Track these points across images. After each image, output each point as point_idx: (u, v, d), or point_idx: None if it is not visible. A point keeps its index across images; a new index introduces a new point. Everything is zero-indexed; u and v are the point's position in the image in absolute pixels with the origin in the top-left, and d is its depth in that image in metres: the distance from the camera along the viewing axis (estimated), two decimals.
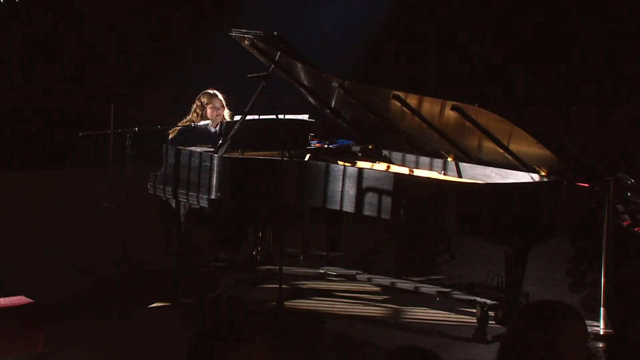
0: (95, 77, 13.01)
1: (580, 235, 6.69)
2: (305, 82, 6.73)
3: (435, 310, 5.86)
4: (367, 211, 5.68)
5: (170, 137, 6.92)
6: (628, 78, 11.41)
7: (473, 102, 5.69)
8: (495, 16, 12.62)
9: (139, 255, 6.99)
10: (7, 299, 4.57)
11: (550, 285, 6.41)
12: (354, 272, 6.49)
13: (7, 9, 12.38)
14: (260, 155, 6.37)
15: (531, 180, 5.60)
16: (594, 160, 6.21)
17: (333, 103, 6.78)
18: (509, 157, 5.69)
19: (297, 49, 6.50)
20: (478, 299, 5.59)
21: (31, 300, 4.60)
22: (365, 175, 5.70)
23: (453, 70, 12.54)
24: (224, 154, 6.19)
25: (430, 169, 6.34)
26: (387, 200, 5.55)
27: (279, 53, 6.38)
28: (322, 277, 6.53)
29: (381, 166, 6.51)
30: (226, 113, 7.03)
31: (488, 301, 5.53)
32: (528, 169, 5.64)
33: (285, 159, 5.85)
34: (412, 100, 6.03)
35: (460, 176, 6.13)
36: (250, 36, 6.37)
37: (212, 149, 6.42)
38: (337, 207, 5.85)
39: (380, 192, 5.59)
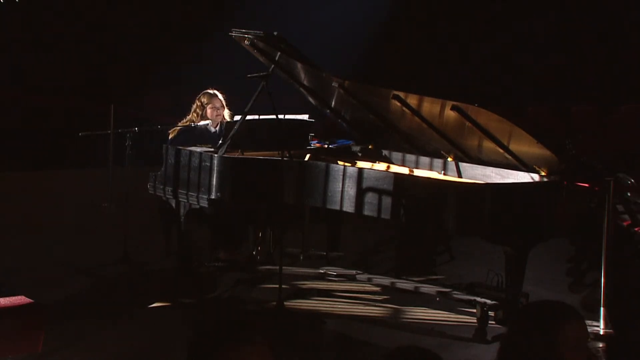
0: (95, 77, 13.00)
1: (580, 235, 6.68)
2: (305, 82, 6.74)
3: (435, 310, 5.86)
4: (367, 211, 5.68)
5: (170, 137, 6.93)
6: (628, 78, 11.40)
7: (473, 102, 5.69)
8: (495, 16, 12.62)
9: (139, 255, 6.99)
10: (7, 299, 4.57)
11: (550, 285, 6.41)
12: (354, 272, 6.49)
13: (7, 9, 12.37)
14: (260, 155, 6.38)
15: (531, 180, 5.61)
16: (594, 160, 6.21)
17: (333, 103, 6.78)
18: (509, 157, 5.69)
19: (297, 49, 6.50)
20: (478, 299, 5.59)
21: (31, 300, 4.60)
22: (365, 175, 5.70)
23: (453, 70, 12.53)
24: (224, 154, 6.19)
25: (430, 169, 6.34)
26: (387, 200, 5.55)
27: (279, 53, 6.38)
28: (322, 277, 6.53)
29: (381, 166, 6.51)
30: (226, 113, 7.03)
31: (488, 301, 5.53)
32: (528, 169, 5.64)
33: (285, 159, 5.85)
34: (412, 100, 6.03)
35: (460, 176, 6.13)
36: (250, 36, 6.38)
37: (212, 149, 6.42)
38: (337, 207, 5.85)
39: (380, 192, 5.59)
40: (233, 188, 6.18)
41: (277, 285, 5.75)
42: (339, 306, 6.02)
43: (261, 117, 6.44)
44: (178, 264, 6.56)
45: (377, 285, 6.35)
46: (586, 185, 5.78)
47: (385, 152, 6.82)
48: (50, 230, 8.03)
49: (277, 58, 6.42)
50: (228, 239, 6.77)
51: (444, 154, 6.27)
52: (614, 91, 11.41)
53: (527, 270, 5.37)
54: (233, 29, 6.51)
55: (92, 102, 12.08)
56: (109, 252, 7.04)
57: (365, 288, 6.36)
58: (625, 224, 6.53)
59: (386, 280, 6.31)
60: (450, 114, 5.77)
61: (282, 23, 8.77)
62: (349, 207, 5.78)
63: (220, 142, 6.39)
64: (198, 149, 6.44)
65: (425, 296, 6.00)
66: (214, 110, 6.95)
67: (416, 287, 6.09)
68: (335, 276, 6.50)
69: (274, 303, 5.72)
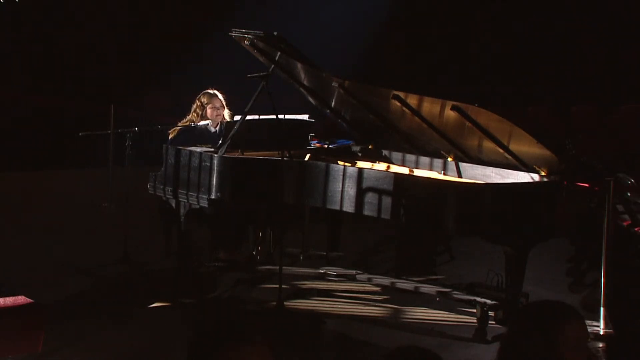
0: (95, 77, 13.01)
1: (580, 235, 6.68)
2: (305, 82, 6.73)
3: (435, 310, 5.86)
4: (367, 211, 5.68)
5: (170, 137, 6.93)
6: (628, 78, 11.40)
7: (473, 102, 5.69)
8: (496, 16, 12.62)
9: (139, 255, 6.99)
10: (7, 299, 4.57)
11: (550, 285, 6.41)
12: (354, 272, 6.49)
13: (7, 9, 12.37)
14: (260, 155, 6.38)
15: (531, 180, 5.60)
16: (594, 160, 6.21)
17: (333, 103, 6.78)
18: (509, 157, 5.69)
19: (297, 49, 6.50)
20: (478, 299, 5.58)
21: (31, 300, 4.60)
22: (365, 175, 5.70)
23: (453, 70, 12.54)
24: (224, 154, 6.19)
25: (430, 169, 6.34)
26: (387, 200, 5.55)
27: (279, 53, 6.38)
28: (322, 277, 6.53)
29: (381, 166, 6.51)
30: (226, 113, 7.03)
31: (488, 301, 5.53)
32: (528, 169, 5.64)
33: (285, 159, 5.85)
34: (412, 100, 6.03)
35: (460, 176, 6.13)
36: (250, 36, 6.37)
37: (212, 149, 6.42)
38: (337, 207, 5.85)
39: (380, 192, 5.59)
40: (233, 188, 6.18)
41: (277, 285, 5.75)
42: (339, 306, 6.02)
43: (261, 117, 6.44)
44: (178, 264, 6.56)
45: (377, 285, 6.35)
46: (586, 185, 5.78)
47: (385, 152, 6.81)
48: (50, 230, 8.03)
49: (277, 58, 6.42)
50: (228, 239, 6.77)
51: (444, 154, 6.27)
52: (614, 91, 11.42)
53: (527, 270, 5.37)
54: (233, 29, 6.50)
55: (92, 102, 12.09)
56: (109, 252, 7.04)
57: (365, 288, 6.36)
58: (625, 224, 6.54)
59: (386, 280, 6.31)
60: (450, 114, 5.76)
61: (282, 23, 8.77)
62: (349, 207, 5.78)
63: (220, 142, 6.39)
64: (198, 149, 6.43)
65: (425, 296, 6.00)
66: (214, 110, 6.95)
67: (416, 287, 6.09)
68: (335, 276, 6.50)
69: (274, 303, 5.72)
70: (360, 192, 5.68)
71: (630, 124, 10.13)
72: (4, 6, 12.19)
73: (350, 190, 5.73)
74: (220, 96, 7.02)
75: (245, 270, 6.64)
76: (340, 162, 6.25)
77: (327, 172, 5.87)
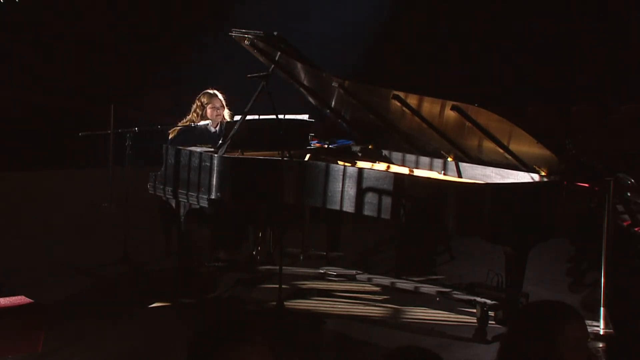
0: (95, 77, 13.01)
1: (580, 235, 6.68)
2: (305, 82, 6.74)
3: (435, 310, 5.86)
4: (367, 211, 5.68)
5: (170, 137, 6.93)
6: (628, 78, 11.40)
7: (473, 102, 5.69)
8: (495, 16, 12.62)
9: (139, 255, 6.99)
10: (7, 299, 4.57)
11: (550, 285, 6.41)
12: (354, 272, 6.49)
13: (7, 9, 12.37)
14: (260, 155, 6.38)
15: (531, 180, 5.60)
16: (594, 160, 6.21)
17: (333, 103, 6.78)
18: (509, 157, 5.69)
19: (297, 49, 6.50)
20: (478, 299, 5.59)
21: (31, 300, 4.60)
22: (365, 175, 5.70)
23: (453, 70, 12.54)
24: (224, 154, 6.19)
25: (430, 169, 6.34)
26: (387, 200, 5.55)
27: (279, 53, 6.38)
28: (322, 277, 6.53)
29: (381, 166, 6.51)
30: (226, 113, 7.03)
31: (488, 301, 5.53)
32: (528, 169, 5.64)
33: (285, 159, 5.85)
34: (412, 100, 6.03)
35: (460, 176, 6.13)
36: (250, 36, 6.37)
37: (212, 149, 6.42)
38: (337, 207, 5.85)
39: (380, 192, 5.59)
40: (233, 188, 6.18)
41: (277, 285, 5.75)
42: (339, 306, 6.02)
43: (261, 117, 6.44)
44: (178, 264, 6.56)
45: (377, 285, 6.35)
46: (586, 185, 5.78)
47: (385, 152, 6.82)
48: (50, 230, 8.03)
49: (277, 58, 6.42)
50: (228, 239, 6.77)
51: (444, 154, 6.27)
52: (614, 91, 11.42)
53: (527, 270, 5.37)
54: (233, 29, 6.50)
55: (92, 102, 12.09)
56: (109, 252, 7.04)
57: (365, 288, 6.36)
58: (625, 224, 6.54)
59: (386, 280, 6.31)
60: (450, 114, 5.77)
61: (282, 23, 8.77)
62: (349, 207, 5.78)
63: (220, 142, 6.39)
64: (198, 149, 6.43)
65: (425, 296, 6.00)
66: (214, 110, 6.95)
67: (416, 287, 6.09)
68: (335, 276, 6.50)
69: (274, 303, 5.72)
70: (360, 192, 5.68)
71: (630, 124, 10.14)
72: (4, 6, 12.19)
73: (350, 190, 5.73)
74: (220, 96, 7.02)
75: (245, 270, 6.64)
76: (340, 162, 6.25)
77: (327, 172, 5.87)
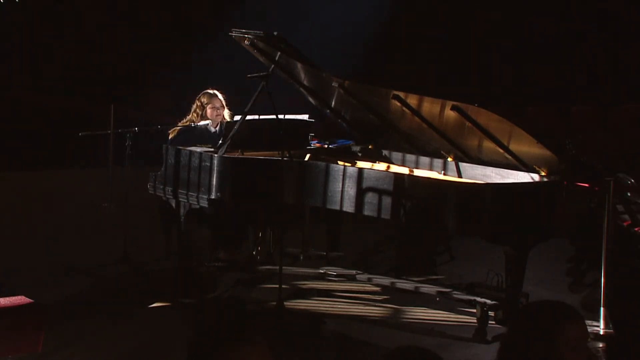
0: (95, 77, 13.01)
1: (580, 235, 6.68)
2: (305, 82, 6.73)
3: (435, 310, 5.86)
4: (367, 211, 5.68)
5: (170, 137, 6.93)
6: (628, 78, 11.40)
7: (473, 102, 5.69)
8: (495, 16, 12.62)
9: (139, 255, 6.99)
10: (7, 299, 4.57)
11: (550, 285, 6.41)
12: (354, 272, 6.49)
13: (7, 9, 12.37)
14: (260, 155, 6.37)
15: (531, 180, 5.60)
16: (594, 160, 6.21)
17: (333, 103, 6.78)
18: (509, 157, 5.69)
19: (297, 49, 6.50)
20: (478, 299, 5.58)
21: (31, 300, 4.60)
22: (365, 175, 5.70)
23: (453, 70, 12.54)
24: (224, 154, 6.19)
25: (430, 169, 6.34)
26: (387, 200, 5.55)
27: (279, 53, 6.38)
28: (322, 277, 6.53)
29: (381, 166, 6.51)
30: (226, 113, 7.03)
31: (488, 301, 5.53)
32: (528, 169, 5.63)
33: (285, 159, 5.85)
34: (412, 100, 6.03)
35: (460, 176, 6.13)
36: (250, 36, 6.37)
37: (212, 149, 6.42)
38: (337, 207, 5.85)
39: (380, 192, 5.59)
40: (233, 188, 6.18)
41: (277, 285, 5.75)
42: (339, 306, 6.02)
43: (261, 117, 6.44)
44: (178, 264, 6.56)
45: (377, 285, 6.35)
46: (586, 185, 5.78)
47: (385, 152, 6.81)
48: (50, 230, 8.03)
49: (277, 58, 6.42)
50: (228, 239, 6.77)
51: (444, 154, 6.27)
52: (614, 91, 11.42)
53: (527, 270, 5.37)
54: (233, 29, 6.50)
55: (92, 102, 12.09)
56: (109, 252, 7.04)
57: (365, 288, 6.36)
58: (625, 224, 6.53)
59: (386, 280, 6.31)
60: (450, 114, 5.76)
61: (282, 23, 8.77)
62: (349, 207, 5.78)
63: (220, 142, 6.39)
64: (198, 149, 6.43)
65: (425, 296, 6.00)
66: (214, 110, 6.95)
67: (416, 287, 6.09)
68: (335, 276, 6.50)
69: (274, 303, 5.72)
70: (360, 192, 5.68)
71: (630, 124, 10.14)
72: (4, 6, 12.19)
73: (350, 190, 5.73)
74: (220, 96, 7.02)
75: (245, 270, 6.64)
76: (340, 162, 6.25)
77: (327, 172, 5.87)
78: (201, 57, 12.09)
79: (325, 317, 5.79)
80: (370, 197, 5.64)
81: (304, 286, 6.40)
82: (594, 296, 5.81)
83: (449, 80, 11.77)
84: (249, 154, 6.41)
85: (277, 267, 5.87)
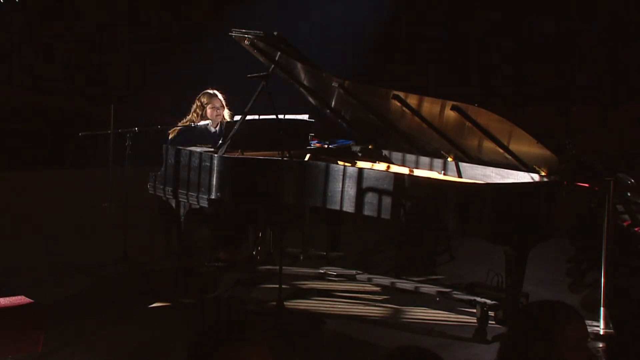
0: (95, 77, 13.01)
1: (580, 235, 6.69)
2: (305, 82, 6.73)
3: (435, 310, 5.86)
4: (367, 211, 5.68)
5: (170, 137, 6.93)
6: (628, 78, 11.41)
7: (473, 102, 5.69)
8: (495, 16, 12.62)
9: (139, 255, 6.99)
10: (7, 299, 4.56)
11: (550, 285, 6.41)
12: (354, 272, 6.49)
13: (7, 9, 12.37)
14: (260, 155, 6.37)
15: (531, 180, 5.60)
16: (594, 160, 6.21)
17: (333, 103, 6.78)
18: (509, 157, 5.69)
19: (297, 49, 6.50)
20: (478, 299, 5.58)
21: (31, 300, 4.60)
22: (365, 175, 5.70)
23: (453, 70, 12.54)
24: (224, 154, 6.19)
25: (430, 169, 6.34)
26: (387, 200, 5.55)
27: (279, 53, 6.38)
28: (322, 277, 6.53)
29: (381, 166, 6.51)
30: (226, 113, 7.03)
31: (488, 301, 5.53)
32: (528, 169, 5.63)
33: (285, 159, 5.85)
34: (412, 100, 6.03)
35: (460, 176, 6.13)
36: (250, 36, 6.37)
37: (212, 149, 6.42)
38: (337, 207, 5.85)
39: (380, 192, 5.59)
40: (233, 188, 6.18)
41: (277, 285, 5.75)
42: (339, 306, 6.02)
43: (261, 117, 6.44)
44: (178, 264, 6.56)
45: (377, 285, 6.35)
46: (586, 185, 5.78)
47: (385, 152, 6.81)
48: (50, 230, 8.03)
49: (277, 58, 6.42)
50: (228, 239, 6.77)
51: (444, 154, 6.27)
52: (614, 91, 11.43)
53: (527, 270, 5.37)
54: (233, 29, 6.50)
55: (92, 102, 12.09)
56: (109, 252, 7.04)
57: (365, 288, 6.36)
58: (625, 224, 6.54)
59: (386, 280, 6.30)
60: (450, 114, 5.76)
61: (282, 23, 8.77)
62: (349, 207, 5.78)
63: (220, 142, 6.39)
64: (198, 149, 6.43)
65: (425, 296, 6.00)
66: (214, 110, 6.96)
67: (416, 287, 6.09)
68: (335, 276, 6.50)
69: (274, 303, 5.72)
70: (360, 192, 5.68)
71: (630, 124, 10.14)
72: (4, 6, 12.20)
73: (350, 190, 5.73)
74: (220, 96, 7.02)
75: (245, 270, 6.64)
76: (340, 162, 6.25)
77: (327, 172, 5.87)
78: (201, 57, 12.09)
79: (325, 317, 5.79)
80: (370, 197, 5.64)
81: (304, 286, 6.40)
82: (594, 296, 5.81)
83: (449, 80, 11.77)
84: (249, 154, 6.41)
85: (277, 267, 5.87)
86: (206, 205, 6.24)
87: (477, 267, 6.52)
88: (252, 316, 5.77)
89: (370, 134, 6.84)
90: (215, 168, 6.12)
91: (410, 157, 6.57)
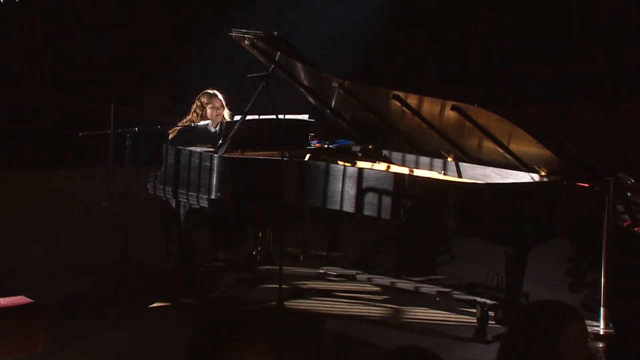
0: (95, 77, 13.01)
1: (580, 235, 6.68)
2: (305, 82, 6.73)
3: (435, 310, 5.86)
4: (367, 211, 5.67)
5: (170, 137, 6.93)
6: (628, 78, 11.41)
7: (473, 102, 5.69)
8: (495, 16, 12.62)
9: (139, 255, 6.99)
10: (7, 299, 4.57)
11: (550, 285, 6.41)
12: (354, 272, 6.49)
13: (7, 9, 12.38)
14: (260, 155, 6.38)
15: (531, 180, 5.60)
16: (594, 160, 6.21)
17: (333, 103, 6.78)
18: (509, 157, 5.69)
19: (297, 49, 6.50)
20: (478, 299, 5.58)
21: (31, 300, 4.60)
22: (365, 175, 5.70)
23: (453, 70, 12.54)
24: (224, 154, 6.19)
25: (430, 169, 6.34)
26: (387, 200, 5.55)
27: (279, 53, 6.38)
28: (322, 277, 6.53)
29: (381, 166, 6.51)
30: (226, 113, 7.03)
31: (488, 301, 5.53)
32: (528, 169, 5.63)
33: (285, 159, 5.85)
34: (412, 100, 6.03)
35: (460, 176, 6.13)
36: (250, 36, 6.37)
37: (212, 149, 6.42)
38: (337, 207, 5.85)
39: (380, 192, 5.59)
40: (233, 188, 6.18)
41: (277, 285, 5.75)
42: (339, 306, 6.02)
43: (261, 117, 6.44)
44: (178, 264, 6.56)
45: (377, 285, 6.35)
46: (586, 185, 5.78)
47: (385, 152, 6.81)
48: (50, 230, 8.03)
49: (277, 58, 6.42)
50: (228, 239, 6.77)
51: (444, 154, 6.27)
52: (614, 91, 11.43)
53: (527, 270, 5.37)
54: (233, 29, 6.50)
55: (92, 102, 12.09)
56: (109, 252, 7.04)
57: (365, 288, 6.36)
58: (625, 224, 6.53)
59: (386, 280, 6.30)
60: (450, 114, 5.76)
61: (282, 23, 8.77)
62: (349, 207, 5.78)
63: (220, 142, 6.39)
64: (198, 149, 6.44)
65: (425, 296, 5.99)
66: (214, 110, 6.95)
67: (416, 287, 6.08)
68: (335, 276, 6.50)
69: (274, 303, 5.72)
70: (360, 192, 5.68)
71: (630, 124, 10.14)
72: (4, 6, 12.20)
73: (350, 190, 5.73)
74: (220, 96, 7.02)
75: (245, 270, 6.64)
76: (340, 162, 6.25)
77: (327, 172, 5.87)
78: (201, 57, 12.09)
79: (325, 317, 5.79)
80: (370, 197, 5.63)
81: (304, 286, 6.40)
82: (594, 296, 5.81)
83: (449, 80, 11.77)
84: (249, 154, 6.41)
85: (277, 267, 5.87)
86: (206, 205, 6.24)
87: (477, 267, 6.51)
88: (252, 316, 5.77)
89: (370, 134, 6.84)
90: (215, 168, 6.12)
91: (410, 157, 6.57)
